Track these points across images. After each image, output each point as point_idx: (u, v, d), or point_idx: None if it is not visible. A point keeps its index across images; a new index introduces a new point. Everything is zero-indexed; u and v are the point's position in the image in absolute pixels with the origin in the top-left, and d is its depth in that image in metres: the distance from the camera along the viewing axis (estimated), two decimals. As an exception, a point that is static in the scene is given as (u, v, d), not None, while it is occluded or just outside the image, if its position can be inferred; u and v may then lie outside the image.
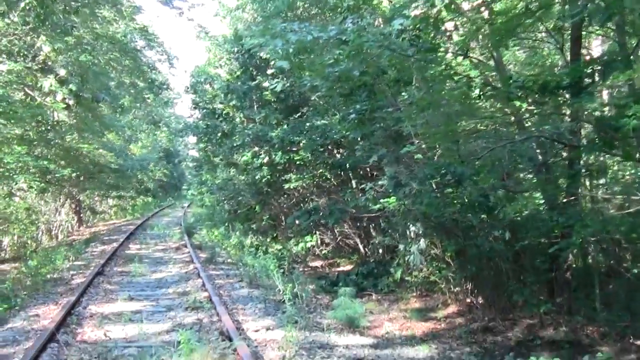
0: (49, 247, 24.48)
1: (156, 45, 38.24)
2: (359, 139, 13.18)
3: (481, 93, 9.35)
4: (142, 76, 36.60)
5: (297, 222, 18.26)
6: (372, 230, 16.61)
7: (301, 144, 17.73)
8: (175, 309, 11.05)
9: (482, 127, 11.09)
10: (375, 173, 16.43)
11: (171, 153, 66.09)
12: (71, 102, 17.15)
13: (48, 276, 14.75)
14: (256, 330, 9.51)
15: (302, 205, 22.41)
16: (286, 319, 10.09)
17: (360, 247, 17.75)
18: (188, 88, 37.77)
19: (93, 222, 37.60)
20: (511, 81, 8.63)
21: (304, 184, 19.71)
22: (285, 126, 18.23)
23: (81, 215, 35.92)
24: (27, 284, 13.42)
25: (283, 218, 23.86)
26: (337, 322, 10.46)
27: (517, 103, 9.15)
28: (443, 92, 10.26)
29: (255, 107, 22.08)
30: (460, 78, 9.56)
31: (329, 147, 17.37)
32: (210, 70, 36.56)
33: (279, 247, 24.02)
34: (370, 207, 13.85)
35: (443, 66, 10.02)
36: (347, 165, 16.04)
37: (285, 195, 22.66)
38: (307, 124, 16.75)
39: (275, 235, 24.50)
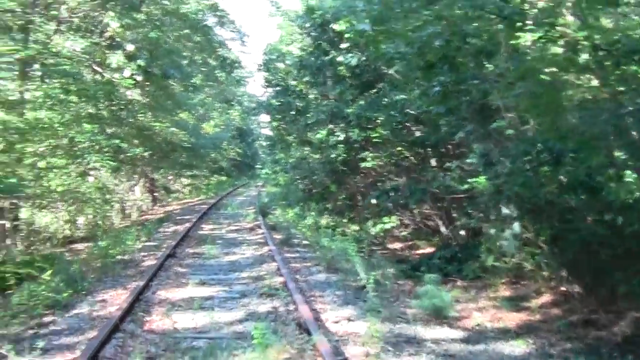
0: (122, 226, 24.27)
1: (227, 22, 37.80)
2: (442, 113, 12.10)
3: (591, 58, 8.21)
4: (214, 54, 36.23)
5: (374, 202, 17.37)
6: (454, 211, 15.58)
7: (378, 121, 16.80)
8: (249, 296, 10.34)
9: (588, 97, 9.91)
10: (457, 151, 15.43)
11: (244, 132, 65.87)
12: (140, 78, 16.59)
13: (118, 257, 14.28)
14: (336, 322, 8.68)
15: (378, 185, 21.57)
16: (368, 309, 9.26)
17: (442, 229, 16.78)
18: (260, 66, 37.26)
19: (167, 201, 37.47)
20: (619, 45, 7.50)
21: (380, 163, 18.83)
22: (361, 102, 17.29)
23: (155, 194, 35.82)
24: (97, 266, 12.91)
25: (360, 198, 23.04)
26: (423, 312, 9.57)
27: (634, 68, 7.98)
28: (543, 59, 9.13)
29: (329, 83, 21.26)
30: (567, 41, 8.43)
31: (408, 124, 16.36)
32: (283, 47, 35.95)
33: (355, 228, 23.26)
34: (455, 187, 12.86)
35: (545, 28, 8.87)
36: (428, 143, 14.98)
37: (362, 175, 21.78)
38: (385, 100, 15.73)
39: (351, 216, 23.68)
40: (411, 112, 14.66)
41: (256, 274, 12.20)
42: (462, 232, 15.31)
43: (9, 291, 10.63)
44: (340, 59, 17.83)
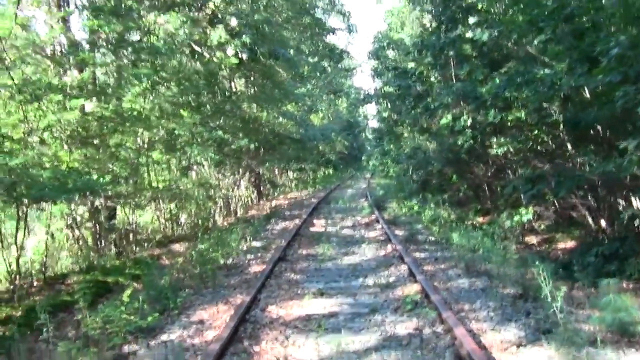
0: (226, 223, 22.79)
1: (336, 5, 36.25)
2: (617, 83, 9.65)
3: None
4: (322, 42, 34.67)
5: (509, 191, 15.10)
6: (616, 200, 13.07)
7: (519, 100, 14.54)
8: (380, 311, 8.29)
9: None
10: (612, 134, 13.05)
11: (351, 124, 64.29)
12: (244, 57, 14.76)
13: (221, 261, 12.53)
14: (504, 349, 6.57)
15: (506, 173, 19.30)
16: (537, 327, 7.15)
17: (590, 220, 14.28)
18: (370, 54, 35.63)
19: (273, 196, 35.97)
20: None
21: (512, 149, 16.52)
22: (496, 80, 14.97)
23: (261, 188, 34.39)
24: (195, 272, 11.12)
25: (486, 188, 20.75)
26: (605, 328, 7.32)
27: None
28: None
29: (452, 63, 19.05)
30: None
31: (555, 103, 13.96)
32: (393, 35, 34.18)
33: (480, 220, 21.04)
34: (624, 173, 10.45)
35: None
36: (587, 123, 12.46)
37: (491, 162, 19.48)
38: (527, 75, 13.32)
39: (477, 207, 21.41)
40: (562, 88, 12.24)
41: (384, 281, 10.18)
42: (623, 224, 12.79)
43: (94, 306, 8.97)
44: (469, 34, 15.62)
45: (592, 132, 13.53)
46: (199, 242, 14.57)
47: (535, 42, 12.59)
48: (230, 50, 14.72)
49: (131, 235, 18.84)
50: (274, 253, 13.02)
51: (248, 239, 15.80)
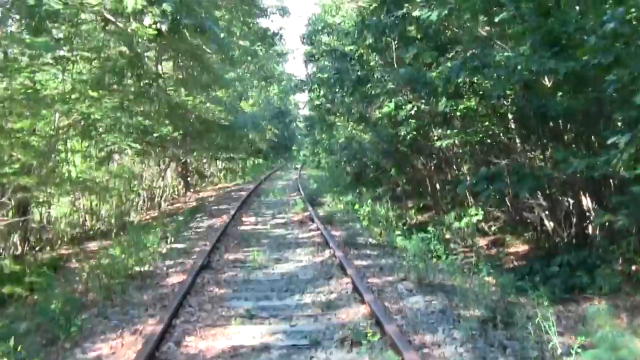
0: (149, 217, 20.97)
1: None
2: (608, 66, 8.24)
3: None
4: (253, 23, 32.92)
5: (461, 191, 13.75)
6: (586, 202, 11.81)
7: (473, 87, 13.22)
8: (323, 344, 6.66)
9: None
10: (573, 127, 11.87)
11: (282, 112, 62.68)
12: (164, 28, 12.87)
13: (136, 269, 10.75)
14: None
15: (450, 168, 18.10)
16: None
17: (547, 223, 13.07)
18: (303, 38, 34.08)
19: (201, 187, 34.12)
20: None
21: (457, 142, 15.25)
22: (448, 63, 13.54)
23: (188, 179, 32.50)
24: (102, 285, 9.32)
25: (427, 183, 19.48)
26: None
27: None
28: None
29: (393, 47, 17.64)
30: None
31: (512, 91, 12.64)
32: (328, 18, 32.76)
33: (420, 217, 19.81)
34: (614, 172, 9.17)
35: None
36: (557, 114, 11.06)
37: (433, 156, 18.20)
38: (485, 59, 11.88)
39: (420, 205, 20.13)
40: (522, 73, 10.83)
41: (324, 298, 8.59)
42: (594, 231, 11.59)
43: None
44: (416, 13, 14.13)
45: (552, 124, 12.32)
46: (112, 245, 12.79)
47: (496, 19, 11.14)
48: (147, 20, 12.86)
49: (38, 233, 16.95)
50: (197, 259, 11.31)
51: (169, 239, 14.04)
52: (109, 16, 13.47)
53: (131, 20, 13.18)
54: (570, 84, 10.98)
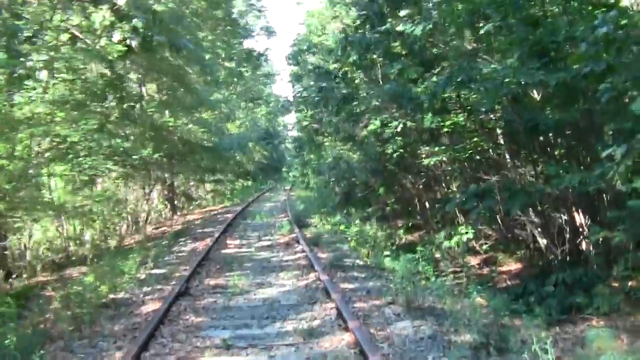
0: (133, 242, 20.42)
1: (254, 7, 34.40)
2: (601, 73, 7.81)
3: None
4: (239, 43, 32.73)
5: (451, 208, 13.31)
6: (579, 218, 11.39)
7: (460, 102, 12.83)
8: (306, 380, 6.19)
9: None
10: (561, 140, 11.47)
11: (270, 134, 62.33)
12: (134, 44, 12.38)
13: (110, 296, 10.22)
14: None
15: (438, 186, 17.70)
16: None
17: (540, 240, 12.64)
18: (289, 58, 33.97)
19: (189, 210, 33.57)
20: None
21: (445, 159, 14.86)
22: (434, 78, 13.14)
23: (175, 202, 31.94)
24: (73, 314, 8.79)
25: (416, 201, 19.05)
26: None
27: None
28: None
29: (378, 64, 17.31)
30: None
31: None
32: (314, 38, 32.61)
33: (409, 237, 19.37)
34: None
35: None
36: (548, 127, 10.63)
37: (422, 174, 17.78)
38: (471, 72, 11.47)
39: (408, 224, 19.67)
40: (510, 86, 10.43)
41: (307, 325, 8.05)
42: (588, 248, 11.15)
43: None
44: (399, 28, 13.77)
45: (542, 139, 11.92)
46: (87, 272, 12.27)
47: (482, 31, 10.75)
48: (117, 36, 12.38)
49: (16, 260, 16.42)
50: (175, 285, 10.77)
51: (149, 264, 13.51)
52: (77, 33, 13.02)
53: (100, 36, 12.74)
54: (560, 96, 10.60)
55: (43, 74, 13.58)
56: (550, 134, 11.43)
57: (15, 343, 6.62)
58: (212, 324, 8.48)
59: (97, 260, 14.86)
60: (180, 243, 17.90)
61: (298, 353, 6.97)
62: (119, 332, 8.09)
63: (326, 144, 29.98)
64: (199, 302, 9.82)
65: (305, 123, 32.59)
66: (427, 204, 18.67)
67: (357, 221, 18.21)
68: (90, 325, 8.43)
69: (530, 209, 12.32)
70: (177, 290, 10.09)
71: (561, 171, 9.47)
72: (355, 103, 18.17)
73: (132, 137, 20.57)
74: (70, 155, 16.12)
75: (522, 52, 10.26)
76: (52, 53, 14.99)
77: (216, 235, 18.15)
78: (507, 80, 10.14)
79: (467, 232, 13.51)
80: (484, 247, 14.90)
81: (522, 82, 10.08)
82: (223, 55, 33.82)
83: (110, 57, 13.11)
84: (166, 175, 27.72)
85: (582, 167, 10.29)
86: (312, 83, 23.10)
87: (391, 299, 9.26)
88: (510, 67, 10.09)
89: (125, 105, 19.48)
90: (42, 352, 6.78)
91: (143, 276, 12.29)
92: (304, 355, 6.87)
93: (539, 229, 12.52)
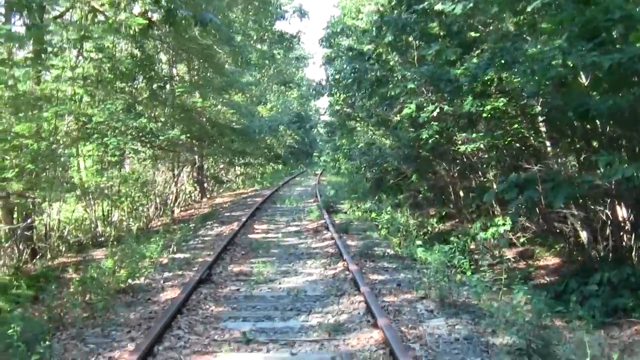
0: (160, 224, 20.04)
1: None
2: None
3: None
4: (271, 24, 32.18)
5: (489, 199, 12.64)
6: (621, 212, 10.71)
7: (502, 85, 12.16)
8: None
9: None
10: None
11: (302, 118, 61.79)
12: (155, 17, 11.87)
13: (129, 281, 9.76)
14: None
15: (474, 174, 17.02)
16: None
17: (582, 234, 11.95)
18: (322, 41, 33.42)
19: (218, 193, 33.17)
20: None
21: (483, 146, 14.16)
22: (474, 59, 12.46)
23: (204, 185, 31.55)
24: (90, 300, 8.35)
25: (450, 190, 18.41)
26: None
27: None
28: None
29: (414, 45, 16.67)
30: None
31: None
32: (348, 20, 31.93)
33: (442, 226, 18.73)
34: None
35: None
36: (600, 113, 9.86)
37: (457, 161, 17.12)
38: (516, 53, 10.77)
39: (442, 213, 19.02)
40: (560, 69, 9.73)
41: (333, 320, 7.51)
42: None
43: None
44: (438, 7, 13.08)
45: (589, 126, 11.23)
46: (107, 255, 11.84)
47: (528, 9, 10.04)
48: (137, 7, 11.90)
49: (40, 241, 16.08)
50: (197, 271, 10.29)
51: (172, 248, 13.05)
52: (96, 6, 12.56)
53: (120, 8, 12.26)
54: (611, 80, 9.89)
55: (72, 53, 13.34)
56: (599, 121, 10.71)
57: (19, 332, 6.12)
58: (233, 314, 7.98)
59: (120, 242, 14.44)
60: (207, 226, 17.46)
61: (322, 351, 6.44)
62: (134, 321, 7.61)
63: (358, 128, 29.41)
64: (220, 290, 9.34)
65: (337, 107, 31.99)
66: (461, 193, 18.03)
67: (389, 208, 17.59)
68: (105, 313, 7.97)
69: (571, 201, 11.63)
70: (198, 277, 9.61)
71: (616, 161, 8.74)
72: (389, 86, 17.48)
73: (161, 119, 20.23)
74: (96, 135, 15.77)
75: (571, 32, 9.55)
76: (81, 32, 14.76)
77: (243, 219, 17.68)
78: (554, 62, 9.46)
79: (504, 224, 12.77)
80: (521, 239, 14.22)
81: (571, 65, 9.42)
82: (255, 37, 33.34)
83: (131, 31, 12.63)
84: (195, 157, 27.34)
85: (629, 158, 9.60)
86: (345, 65, 22.39)
87: (424, 293, 8.70)
88: (559, 48, 9.37)
89: (154, 86, 19.15)
90: (50, 341, 6.32)
91: (165, 260, 11.83)
92: (329, 354, 6.33)
93: (580, 223, 11.84)
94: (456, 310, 7.88)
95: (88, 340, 6.84)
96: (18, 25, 13.64)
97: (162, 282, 10.03)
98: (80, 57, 16.30)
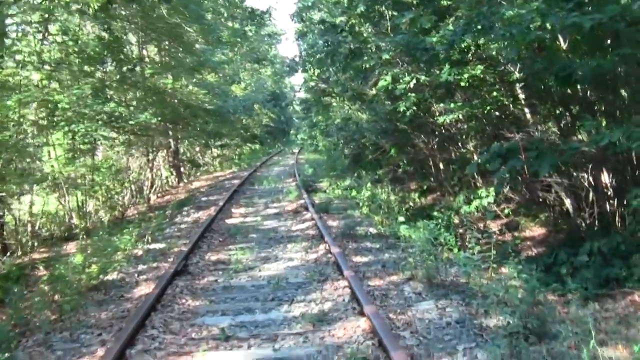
0: (136, 212, 19.58)
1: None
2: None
3: None
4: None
5: (472, 171, 12.22)
6: (603, 178, 10.41)
7: (479, 51, 11.75)
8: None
9: None
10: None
11: (277, 96, 61.09)
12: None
13: (101, 277, 9.30)
14: None
15: (454, 145, 16.69)
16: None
17: (567, 202, 11.65)
18: (294, 16, 32.93)
19: (195, 176, 32.63)
20: None
21: (462, 116, 13.81)
22: (450, 27, 12.03)
23: (181, 169, 30.99)
24: (59, 299, 7.90)
25: (430, 162, 18.06)
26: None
27: None
28: None
29: (387, 16, 16.25)
30: None
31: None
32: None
33: (423, 200, 18.41)
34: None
35: None
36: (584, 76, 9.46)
37: (436, 133, 16.76)
38: (493, 17, 10.33)
39: (423, 187, 18.68)
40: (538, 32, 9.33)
41: (317, 310, 7.11)
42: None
43: None
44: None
45: (569, 91, 10.87)
46: (77, 249, 11.36)
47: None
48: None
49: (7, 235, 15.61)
50: (173, 262, 9.85)
51: (147, 238, 12.59)
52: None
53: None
54: (591, 42, 9.53)
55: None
56: (579, 86, 10.35)
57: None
58: (211, 308, 7.56)
59: (92, 235, 13.93)
60: (184, 213, 16.95)
61: (307, 345, 6.05)
62: (106, 321, 7.16)
63: (334, 104, 28.98)
64: (197, 282, 8.91)
65: (312, 83, 31.54)
66: (441, 165, 17.70)
67: (369, 185, 17.21)
68: (75, 314, 7.52)
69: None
70: (173, 269, 9.16)
71: (601, 127, 8.39)
72: (364, 58, 17.03)
73: (133, 102, 19.67)
74: (62, 123, 15.21)
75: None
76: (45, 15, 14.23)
77: (221, 203, 17.22)
78: (532, 25, 9.07)
79: (487, 196, 12.41)
80: (505, 211, 13.89)
81: (549, 27, 9.04)
82: (225, 15, 32.67)
83: (89, 10, 12.05)
84: (170, 141, 26.77)
85: (610, 122, 9.27)
86: (317, 39, 21.91)
87: (410, 274, 8.34)
88: (537, 10, 8.96)
89: (124, 69, 18.60)
90: (14, 351, 5.89)
91: (140, 252, 11.36)
92: (314, 347, 5.95)
93: (564, 191, 11.53)
94: (445, 291, 7.53)
95: (55, 347, 6.40)
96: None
97: (136, 276, 9.57)
98: (45, 41, 15.79)
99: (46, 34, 16.09)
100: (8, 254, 14.53)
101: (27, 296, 8.59)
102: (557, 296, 8.10)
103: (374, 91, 17.57)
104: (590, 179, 10.86)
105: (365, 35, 17.86)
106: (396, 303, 7.16)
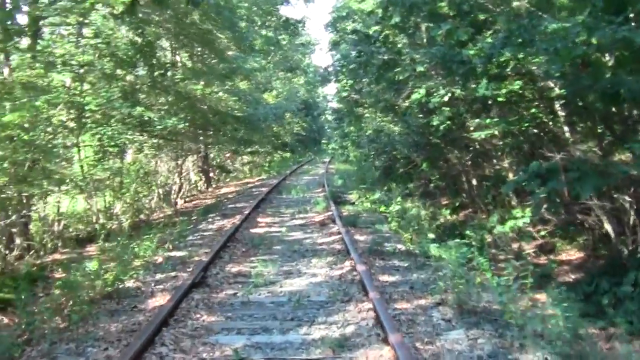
0: (162, 216, 19.33)
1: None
2: None
3: None
4: (274, 9, 31.42)
5: (508, 190, 11.75)
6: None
7: (519, 66, 11.28)
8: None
9: None
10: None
11: (310, 105, 60.93)
12: (143, -3, 11.04)
13: (117, 285, 8.95)
14: None
15: (488, 161, 16.22)
16: None
17: (608, 227, 11.11)
18: (328, 26, 32.88)
19: (224, 182, 32.45)
20: None
21: (497, 132, 13.32)
22: (488, 39, 11.58)
23: (210, 174, 30.81)
24: (68, 307, 7.57)
25: (463, 178, 17.58)
26: None
27: None
28: None
29: (422, 27, 15.84)
30: None
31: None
32: (353, 4, 31.15)
33: (456, 217, 17.95)
34: None
35: None
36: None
37: (470, 148, 16.28)
38: (534, 30, 9.85)
39: (456, 204, 18.19)
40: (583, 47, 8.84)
41: (339, 334, 6.63)
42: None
43: None
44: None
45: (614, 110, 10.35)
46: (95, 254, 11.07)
47: None
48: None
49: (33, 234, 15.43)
50: (192, 272, 9.49)
51: (168, 245, 12.26)
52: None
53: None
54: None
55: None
56: (625, 105, 9.83)
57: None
58: (226, 325, 7.13)
59: (112, 239, 13.64)
60: (209, 219, 16.67)
61: (327, 376, 5.62)
62: (114, 334, 6.77)
63: (366, 115, 28.66)
64: (214, 296, 8.51)
65: (344, 93, 31.36)
66: (474, 182, 17.21)
67: (398, 199, 16.75)
68: (85, 323, 7.17)
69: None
70: (191, 280, 8.79)
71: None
72: (397, 70, 16.62)
73: (165, 107, 19.51)
74: (89, 125, 15.04)
75: (594, 7, 8.68)
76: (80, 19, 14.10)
77: (247, 211, 16.89)
78: (579, 39, 8.59)
79: (523, 216, 11.87)
80: (541, 232, 13.35)
81: (595, 42, 8.57)
82: (259, 23, 32.53)
83: (115, 11, 11.80)
84: (200, 146, 26.60)
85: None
86: (350, 50, 21.63)
87: (439, 298, 7.86)
88: (583, 25, 8.48)
89: (155, 73, 18.45)
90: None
91: (159, 259, 11.03)
92: (333, 379, 5.52)
93: (606, 214, 10.99)
94: (477, 318, 7.04)
95: (59, 359, 6.04)
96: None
97: (152, 285, 9.21)
98: (79, 44, 15.68)
99: (79, 37, 16.00)
100: (30, 253, 14.33)
101: (41, 299, 8.30)
102: (598, 329, 7.59)
103: (407, 103, 17.15)
104: (634, 202, 10.34)
105: (399, 46, 17.50)
106: (424, 330, 6.68)
